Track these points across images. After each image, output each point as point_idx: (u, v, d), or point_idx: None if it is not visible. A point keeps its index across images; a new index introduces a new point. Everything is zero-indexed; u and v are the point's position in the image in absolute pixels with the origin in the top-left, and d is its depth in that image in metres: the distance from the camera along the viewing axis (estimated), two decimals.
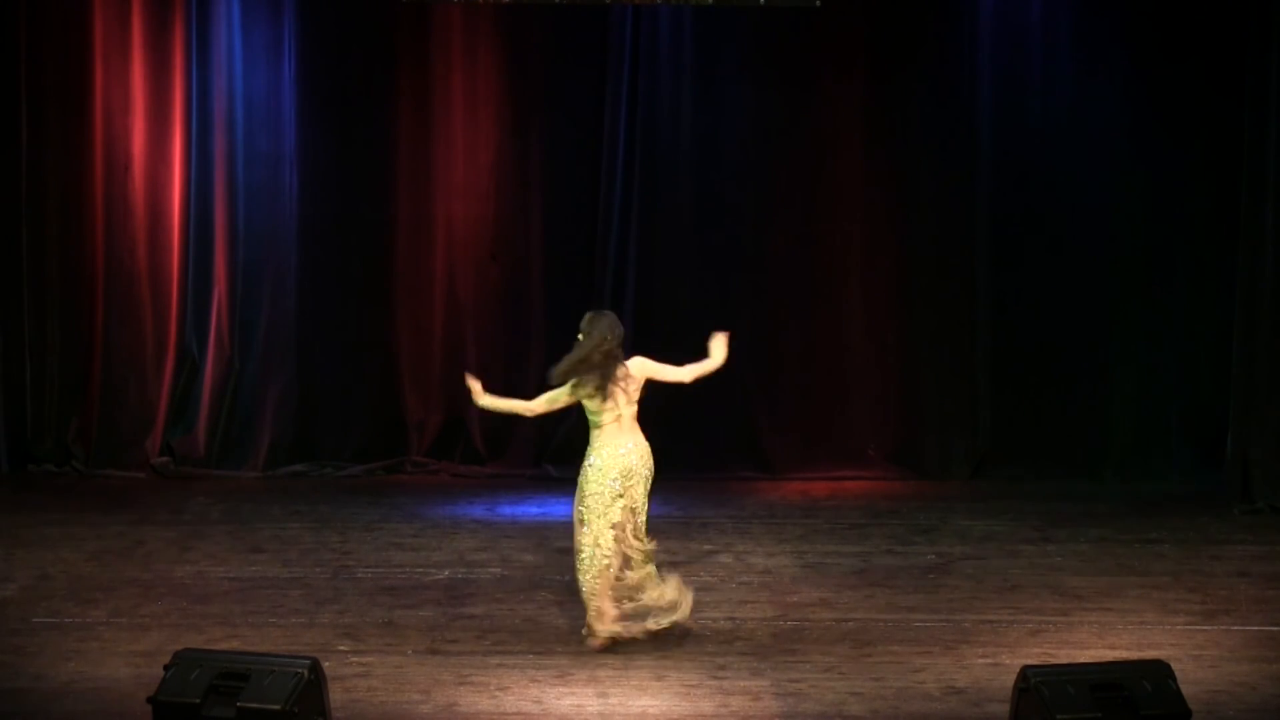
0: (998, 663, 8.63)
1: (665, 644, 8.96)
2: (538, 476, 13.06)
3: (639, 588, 8.87)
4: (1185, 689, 7.15)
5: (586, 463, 8.88)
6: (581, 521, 8.84)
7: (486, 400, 8.96)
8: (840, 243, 13.39)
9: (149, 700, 7.08)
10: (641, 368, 8.95)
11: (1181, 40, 12.91)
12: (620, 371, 8.84)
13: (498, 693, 8.23)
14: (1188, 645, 8.94)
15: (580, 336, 8.84)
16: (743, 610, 9.66)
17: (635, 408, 8.90)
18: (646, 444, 8.93)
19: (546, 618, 9.44)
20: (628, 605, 8.87)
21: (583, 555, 8.82)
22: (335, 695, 7.57)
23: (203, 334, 13.33)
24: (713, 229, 13.35)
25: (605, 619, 8.82)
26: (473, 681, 8.37)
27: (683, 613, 8.97)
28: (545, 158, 13.37)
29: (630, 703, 8.12)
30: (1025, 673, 7.09)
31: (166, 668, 7.15)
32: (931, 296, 13.35)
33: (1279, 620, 9.46)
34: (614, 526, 8.79)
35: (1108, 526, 11.68)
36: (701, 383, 12.95)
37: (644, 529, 8.90)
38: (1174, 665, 7.24)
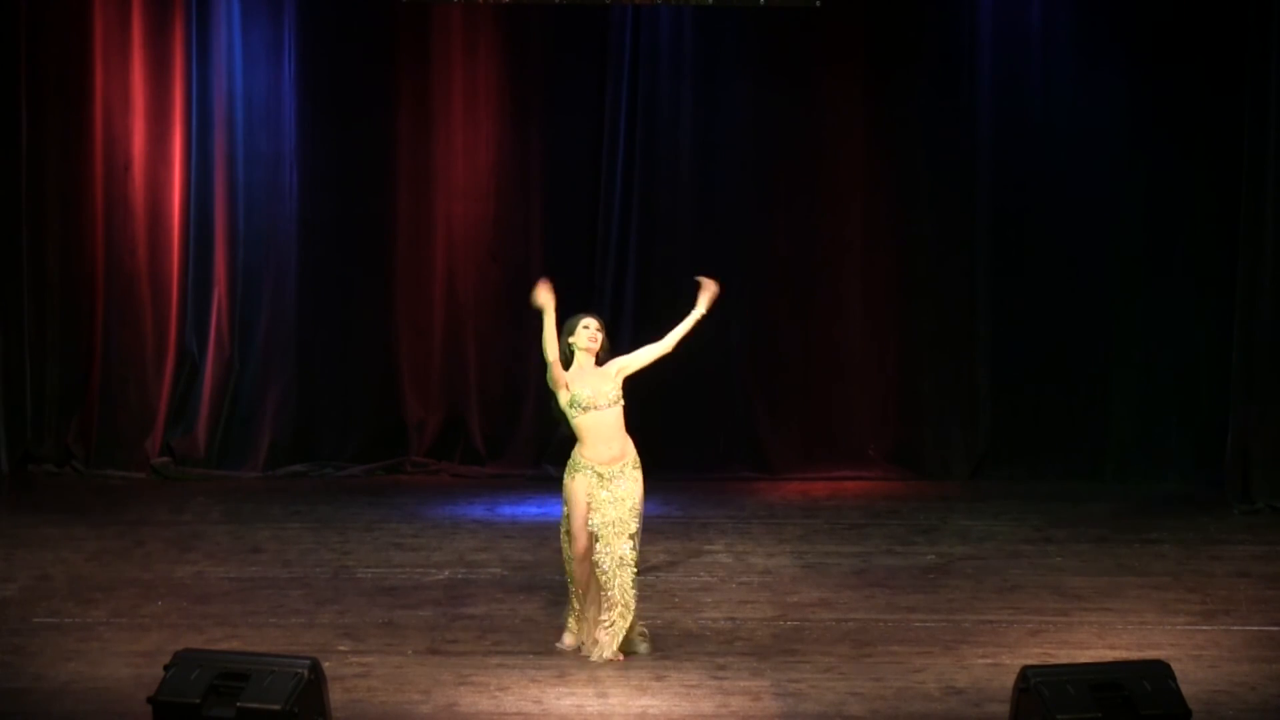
0: (998, 663, 8.63)
1: (665, 644, 8.96)
2: (538, 476, 13.05)
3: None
4: (1185, 689, 7.14)
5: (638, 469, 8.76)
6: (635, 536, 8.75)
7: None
8: (840, 243, 13.40)
9: (149, 700, 7.08)
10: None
11: (1181, 40, 12.91)
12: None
13: (498, 693, 8.22)
14: (1188, 645, 8.94)
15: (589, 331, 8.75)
16: (743, 610, 9.65)
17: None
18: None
19: (546, 618, 9.42)
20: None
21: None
22: (335, 695, 7.57)
23: (203, 334, 13.33)
24: (712, 228, 13.35)
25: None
26: (473, 681, 8.37)
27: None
28: (545, 158, 13.37)
29: (630, 703, 8.12)
30: (1025, 673, 7.09)
31: (166, 668, 7.15)
32: (931, 296, 13.36)
33: (1279, 620, 9.46)
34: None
35: (1108, 526, 11.68)
36: (701, 382, 13.11)
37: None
38: (1174, 665, 7.23)
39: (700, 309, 8.75)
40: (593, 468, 8.65)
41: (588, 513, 8.64)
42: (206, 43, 13.17)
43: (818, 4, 12.80)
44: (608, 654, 8.61)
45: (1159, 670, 7.11)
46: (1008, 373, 13.34)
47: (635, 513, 8.66)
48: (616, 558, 8.61)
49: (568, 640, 8.88)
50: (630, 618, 8.64)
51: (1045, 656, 8.68)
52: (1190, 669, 8.36)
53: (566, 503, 8.74)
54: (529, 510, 12.07)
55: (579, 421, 8.66)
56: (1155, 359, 13.21)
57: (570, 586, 8.85)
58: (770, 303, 13.41)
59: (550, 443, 13.01)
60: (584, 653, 8.72)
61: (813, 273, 13.42)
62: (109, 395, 13.32)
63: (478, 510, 12.23)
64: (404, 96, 13.30)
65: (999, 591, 10.05)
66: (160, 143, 13.25)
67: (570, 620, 8.90)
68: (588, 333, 8.69)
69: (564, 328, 8.70)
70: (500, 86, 13.34)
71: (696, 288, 8.76)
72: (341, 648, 8.87)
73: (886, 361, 13.44)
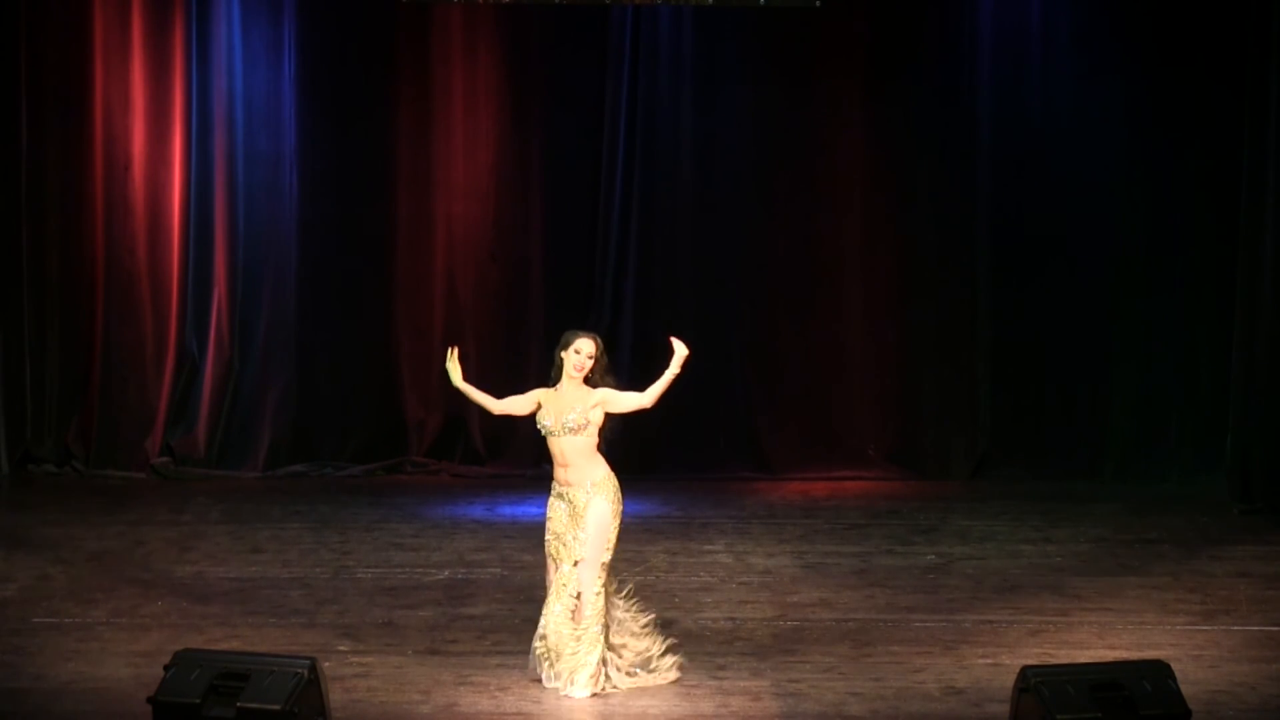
0: (998, 663, 8.63)
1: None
2: (538, 476, 12.99)
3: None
4: (1185, 689, 7.15)
5: (617, 498, 8.39)
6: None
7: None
8: (840, 243, 13.40)
9: (149, 700, 7.08)
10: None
11: (1181, 40, 12.92)
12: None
13: (498, 693, 8.23)
14: (1188, 645, 8.94)
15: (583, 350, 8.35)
16: (743, 610, 9.66)
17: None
18: None
19: None
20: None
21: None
22: (335, 695, 7.57)
23: (203, 334, 13.33)
24: (713, 229, 13.36)
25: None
26: (473, 681, 8.37)
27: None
28: (545, 158, 13.38)
29: (630, 703, 8.12)
30: (1025, 673, 7.09)
31: (166, 668, 7.16)
32: (931, 296, 13.36)
33: (1279, 620, 9.46)
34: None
35: (1108, 526, 11.68)
36: (701, 382, 13.08)
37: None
38: (1174, 665, 7.24)
39: (673, 369, 8.17)
40: (554, 489, 8.40)
41: (548, 534, 8.36)
42: (206, 43, 13.17)
43: (818, 4, 12.80)
44: (579, 691, 8.14)
45: (1159, 670, 7.12)
46: (1008, 373, 13.35)
47: (588, 542, 8.23)
48: (565, 583, 8.25)
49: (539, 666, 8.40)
50: (598, 649, 8.18)
51: (1045, 656, 8.68)
52: (1190, 669, 8.36)
53: None
54: (529, 510, 12.06)
55: (545, 439, 8.36)
56: (1155, 359, 13.21)
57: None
58: (770, 303, 13.41)
59: None
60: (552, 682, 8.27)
61: (813, 273, 13.43)
62: (109, 395, 13.33)
63: (478, 510, 12.23)
64: (404, 96, 13.30)
65: (999, 591, 10.05)
66: (160, 143, 13.25)
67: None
68: (578, 358, 8.27)
69: (560, 340, 8.38)
70: (500, 86, 13.34)
71: (669, 349, 8.24)
72: (341, 648, 8.87)
73: (886, 361, 13.44)
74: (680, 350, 8.22)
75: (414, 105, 13.31)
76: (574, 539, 8.29)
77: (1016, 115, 13.19)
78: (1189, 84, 12.96)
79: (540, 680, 8.28)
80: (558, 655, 8.21)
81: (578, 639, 8.18)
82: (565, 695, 8.15)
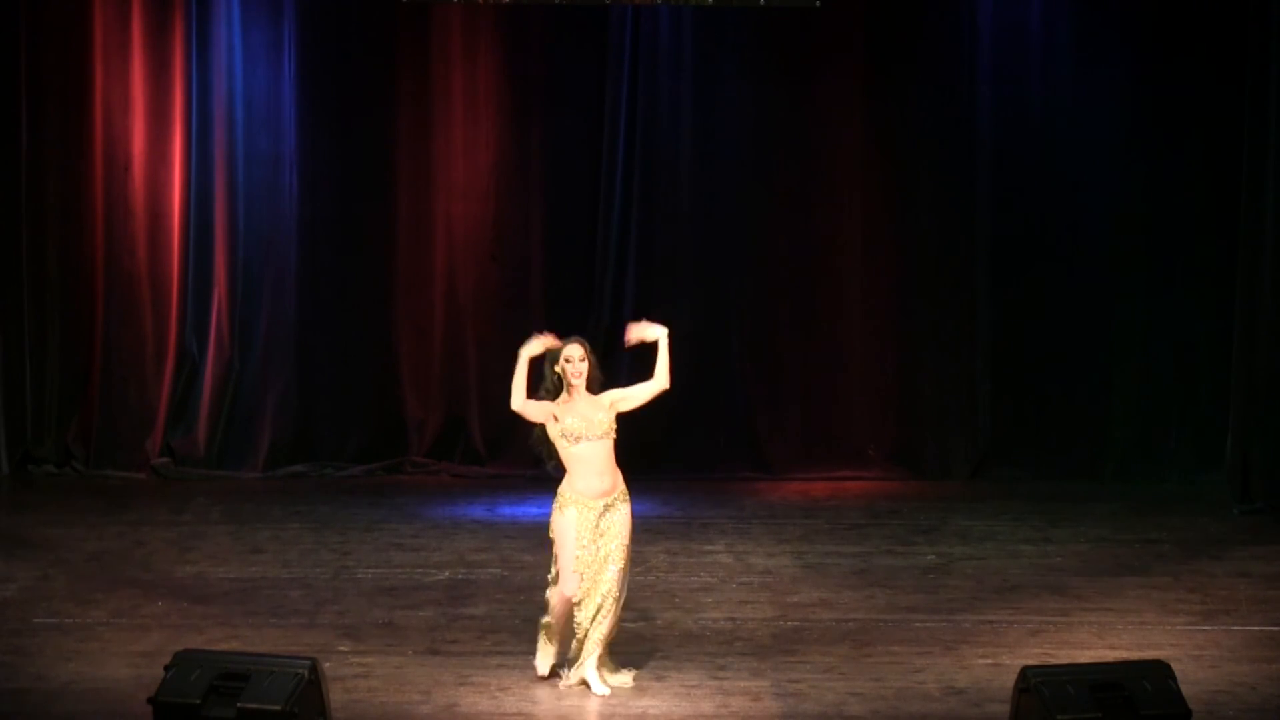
0: (998, 663, 8.63)
1: (665, 644, 8.97)
2: (538, 476, 12.93)
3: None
4: (1185, 689, 7.15)
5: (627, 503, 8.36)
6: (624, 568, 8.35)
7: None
8: (840, 242, 13.40)
9: (149, 701, 7.09)
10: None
11: (1181, 40, 12.92)
12: None
13: (498, 693, 8.23)
14: (1188, 645, 8.95)
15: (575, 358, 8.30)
16: (743, 610, 9.66)
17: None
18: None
19: None
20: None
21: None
22: (335, 695, 7.58)
23: (203, 334, 13.33)
24: (713, 229, 13.36)
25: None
26: (473, 681, 8.38)
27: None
28: (545, 158, 13.38)
29: (630, 703, 8.13)
30: (1025, 673, 7.10)
31: (166, 668, 7.16)
32: (931, 296, 13.36)
33: (1279, 620, 9.46)
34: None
35: (1108, 526, 11.69)
36: (701, 382, 13.10)
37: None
38: (1174, 665, 7.25)
39: (661, 337, 8.28)
40: (582, 502, 8.21)
41: (575, 549, 8.20)
42: (206, 43, 13.17)
43: (818, 4, 12.81)
44: (599, 689, 8.19)
45: (1159, 670, 7.12)
46: (1008, 373, 13.35)
47: (624, 547, 8.23)
48: (604, 592, 8.17)
49: (541, 666, 8.45)
50: (601, 649, 8.24)
51: (1045, 656, 8.69)
52: (1190, 669, 8.37)
53: (554, 539, 8.30)
54: (529, 510, 12.07)
55: (569, 453, 8.22)
56: (1155, 359, 13.21)
57: (546, 618, 8.42)
58: (770, 302, 13.41)
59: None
60: (564, 683, 8.31)
61: (813, 273, 13.42)
62: (109, 395, 13.33)
63: (478, 510, 12.23)
64: (404, 96, 13.30)
65: (999, 591, 10.06)
66: (160, 143, 13.25)
67: (541, 644, 8.44)
68: (572, 366, 8.20)
69: (546, 355, 8.27)
70: (500, 86, 13.34)
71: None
72: (341, 648, 8.88)
73: (886, 361, 13.44)
74: (658, 331, 8.28)
75: (414, 105, 13.31)
76: (609, 553, 8.20)
77: (1016, 114, 13.19)
78: (1189, 82, 12.96)
79: (560, 683, 8.32)
80: (589, 653, 8.23)
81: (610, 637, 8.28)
82: (580, 686, 8.23)
